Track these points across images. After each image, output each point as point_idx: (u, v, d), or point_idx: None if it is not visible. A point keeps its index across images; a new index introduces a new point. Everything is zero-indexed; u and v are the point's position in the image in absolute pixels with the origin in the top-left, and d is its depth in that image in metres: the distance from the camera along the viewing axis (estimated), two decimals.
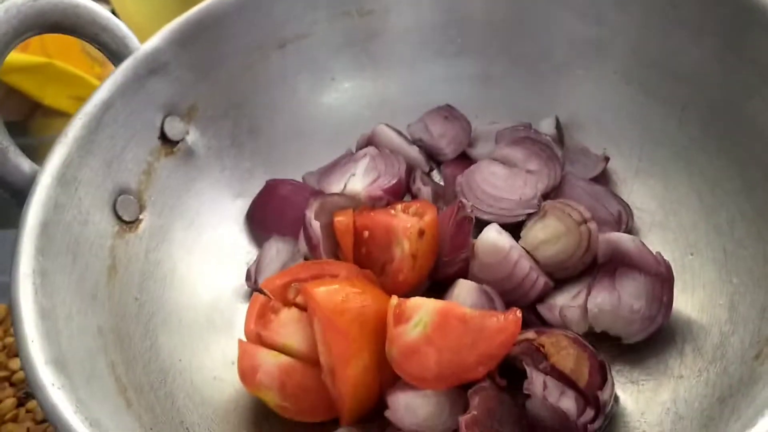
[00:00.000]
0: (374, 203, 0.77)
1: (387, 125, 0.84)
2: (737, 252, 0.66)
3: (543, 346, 0.61)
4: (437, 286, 0.72)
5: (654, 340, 0.65)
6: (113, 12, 1.20)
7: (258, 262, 0.77)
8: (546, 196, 0.75)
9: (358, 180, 0.80)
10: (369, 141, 0.84)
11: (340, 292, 0.63)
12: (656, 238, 0.74)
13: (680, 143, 0.75)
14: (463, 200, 0.71)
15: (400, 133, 0.85)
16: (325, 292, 0.63)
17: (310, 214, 0.74)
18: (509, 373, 0.61)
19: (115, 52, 0.74)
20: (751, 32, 0.67)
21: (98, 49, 0.74)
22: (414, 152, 0.83)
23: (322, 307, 0.61)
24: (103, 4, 1.28)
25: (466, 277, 0.70)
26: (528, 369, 0.59)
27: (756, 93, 0.67)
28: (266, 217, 0.80)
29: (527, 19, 0.85)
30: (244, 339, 0.65)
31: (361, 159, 0.80)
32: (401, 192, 0.81)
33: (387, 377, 0.63)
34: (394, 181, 0.80)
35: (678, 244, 0.72)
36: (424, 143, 0.85)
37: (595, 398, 0.59)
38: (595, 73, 0.82)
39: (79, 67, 1.15)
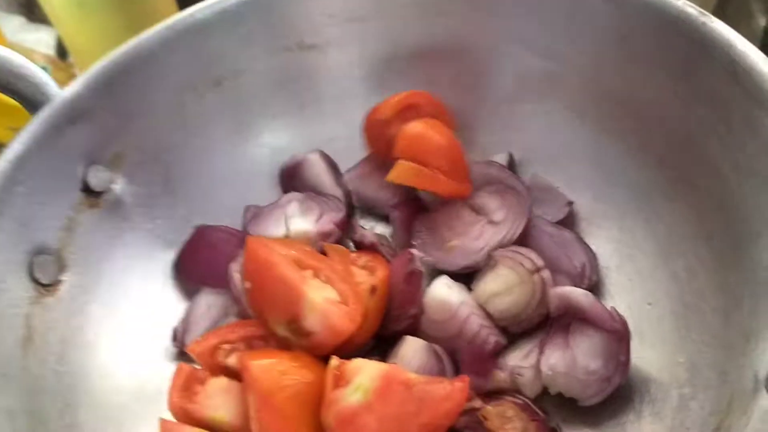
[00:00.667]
0: (325, 240, 0.73)
1: (322, 153, 0.81)
2: (697, 304, 0.63)
3: (486, 419, 0.56)
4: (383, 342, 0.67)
5: (611, 401, 0.61)
6: (59, 38, 1.15)
7: (186, 320, 0.72)
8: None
9: (300, 220, 0.75)
10: (296, 166, 0.80)
11: (279, 366, 0.59)
12: (612, 285, 0.70)
13: (637, 183, 0.71)
14: (413, 251, 0.67)
15: (333, 166, 0.81)
16: (262, 366, 0.58)
17: (235, 266, 0.69)
18: None
19: (31, 101, 0.69)
20: (707, 68, 0.63)
21: (12, 98, 0.69)
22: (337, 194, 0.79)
23: (259, 383, 0.57)
24: (49, 30, 1.23)
25: (415, 334, 0.66)
26: None
27: (713, 132, 0.63)
28: (195, 268, 0.75)
29: (475, 51, 0.80)
30: (167, 415, 0.60)
31: (288, 204, 0.76)
32: (346, 230, 0.77)
33: None
34: (341, 215, 0.76)
35: (635, 292, 0.68)
36: (361, 194, 0.81)
37: None
38: (546, 107, 0.78)
39: None
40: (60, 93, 0.69)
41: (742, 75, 0.59)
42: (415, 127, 0.74)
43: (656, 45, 0.67)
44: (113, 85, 0.71)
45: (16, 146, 0.65)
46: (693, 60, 0.65)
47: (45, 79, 0.69)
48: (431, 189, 0.73)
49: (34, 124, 0.67)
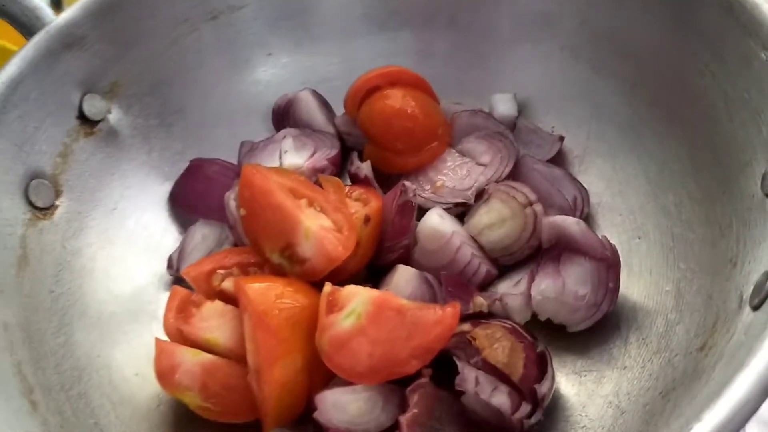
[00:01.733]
0: (317, 174, 0.73)
1: (313, 92, 0.81)
2: (685, 236, 0.64)
3: (475, 339, 0.57)
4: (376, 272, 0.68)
5: (599, 328, 0.62)
6: None
7: (181, 249, 0.72)
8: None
9: (293, 155, 0.75)
10: (288, 105, 0.81)
11: (274, 290, 0.59)
12: (604, 221, 0.71)
13: (629, 122, 0.72)
14: (406, 183, 0.67)
15: (325, 104, 0.81)
16: (258, 289, 0.59)
17: (230, 194, 0.70)
18: (447, 366, 0.58)
19: (25, 26, 0.68)
20: (701, 5, 0.64)
21: (6, 21, 0.68)
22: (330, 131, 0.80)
23: (255, 305, 0.57)
24: None
25: (407, 264, 0.66)
26: (459, 364, 0.56)
27: (706, 70, 0.64)
28: (190, 200, 0.75)
29: None
30: (162, 335, 0.61)
31: (283, 139, 0.76)
32: (339, 166, 0.78)
33: (319, 380, 0.59)
34: (335, 152, 0.77)
35: (625, 227, 0.69)
36: (353, 136, 0.80)
37: (531, 392, 0.56)
38: (542, 48, 0.78)
39: (17, 43, 1.09)
40: (55, 18, 0.68)
41: (737, 8, 0.60)
42: (373, 108, 0.75)
43: None
44: (108, 13, 0.71)
45: (11, 69, 0.65)
46: None
47: (39, 3, 0.69)
48: (394, 171, 0.75)
49: (29, 48, 0.67)
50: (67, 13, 0.69)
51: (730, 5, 0.61)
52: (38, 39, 0.67)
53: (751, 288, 0.51)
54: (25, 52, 0.66)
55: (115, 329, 0.66)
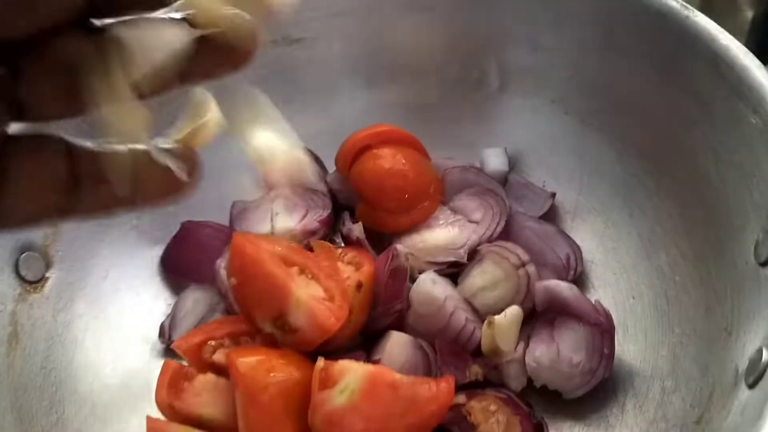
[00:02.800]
0: (309, 237, 0.73)
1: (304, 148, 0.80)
2: (679, 298, 0.63)
3: (470, 414, 0.57)
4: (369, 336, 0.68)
5: (595, 394, 0.62)
6: None
7: (173, 316, 0.71)
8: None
9: (285, 217, 0.75)
10: None
11: (266, 363, 0.59)
12: (597, 279, 0.70)
13: (620, 178, 0.72)
14: (398, 247, 0.67)
15: (317, 160, 0.81)
16: (249, 363, 0.58)
17: (221, 262, 0.69)
18: None
19: None
20: (691, 62, 0.64)
21: None
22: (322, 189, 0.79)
23: (245, 381, 0.57)
24: None
25: (401, 329, 0.66)
26: None
27: (696, 127, 0.64)
28: (181, 264, 0.75)
29: (461, 45, 0.80)
30: (155, 413, 0.60)
31: (276, 199, 0.76)
32: (331, 227, 0.77)
33: None
34: (326, 213, 0.76)
35: (619, 286, 0.69)
36: (345, 193, 0.80)
37: None
38: (532, 102, 0.78)
39: None
40: None
41: (724, 69, 0.60)
42: (364, 168, 0.74)
43: (640, 38, 0.68)
44: None
45: None
46: (676, 53, 0.65)
47: None
48: (386, 230, 0.74)
49: None
50: None
51: (717, 66, 0.61)
52: None
53: (746, 363, 0.50)
54: None
55: (107, 404, 0.66)
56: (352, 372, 0.58)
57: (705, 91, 0.63)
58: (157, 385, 0.61)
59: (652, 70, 0.68)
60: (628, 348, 0.64)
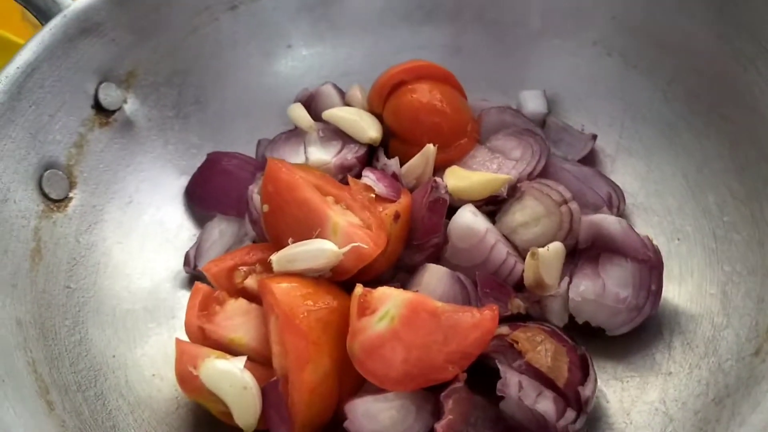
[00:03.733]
0: (345, 173, 0.70)
1: (334, 86, 0.78)
2: (728, 237, 0.61)
3: (517, 342, 0.55)
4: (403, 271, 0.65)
5: (639, 333, 0.60)
6: None
7: (198, 245, 0.69)
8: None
9: (319, 151, 0.72)
10: (309, 99, 0.77)
11: (302, 290, 0.56)
12: (639, 222, 0.68)
13: (665, 120, 0.70)
14: (437, 179, 0.65)
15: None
16: (286, 289, 0.56)
17: (254, 188, 0.67)
18: (481, 370, 0.55)
19: (42, 10, 0.66)
20: None
21: (23, 5, 0.66)
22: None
23: (283, 306, 0.54)
24: None
25: (436, 263, 0.64)
26: (501, 368, 0.53)
27: (751, 65, 0.62)
28: (208, 194, 0.72)
29: None
30: (180, 334, 0.58)
31: (310, 133, 0.73)
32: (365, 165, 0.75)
33: (349, 386, 0.56)
34: (363, 150, 0.72)
35: (663, 228, 0.66)
36: None
37: (576, 396, 0.53)
38: (572, 43, 0.76)
39: (21, 36, 1.06)
40: (72, 3, 0.66)
41: None
42: (400, 103, 0.72)
43: None
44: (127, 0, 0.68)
45: (26, 53, 0.62)
46: None
47: None
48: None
49: (45, 34, 0.64)
50: None
51: None
52: (55, 24, 0.64)
53: None
54: (41, 37, 0.63)
55: (130, 327, 0.63)
56: (392, 298, 0.56)
57: (763, 26, 0.61)
58: (188, 307, 0.59)
59: (704, 7, 0.66)
60: (673, 288, 0.62)
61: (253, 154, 0.76)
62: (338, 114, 0.72)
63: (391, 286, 0.62)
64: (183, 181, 0.73)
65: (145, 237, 0.69)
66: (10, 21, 1.08)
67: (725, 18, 0.64)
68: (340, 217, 0.61)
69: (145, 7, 0.70)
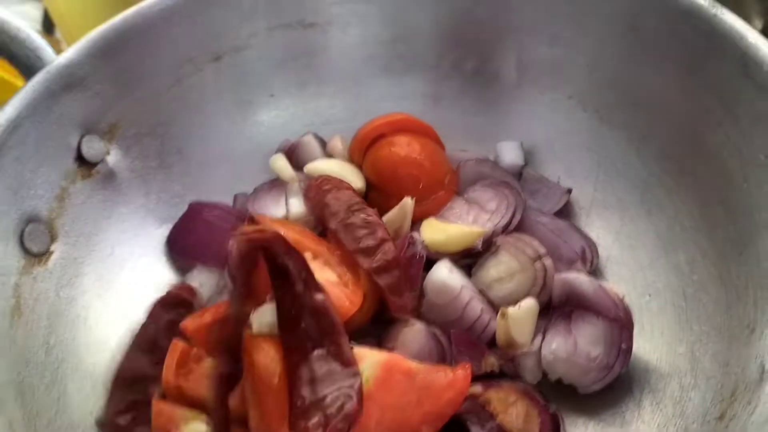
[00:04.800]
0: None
1: (315, 136, 0.79)
2: (698, 296, 0.62)
3: (489, 403, 0.56)
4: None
5: (611, 390, 0.61)
6: (45, 11, 1.12)
7: None
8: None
9: (300, 203, 0.73)
10: (291, 149, 0.79)
11: (278, 350, 0.57)
12: (612, 276, 0.70)
13: (638, 175, 0.71)
14: (414, 235, 0.66)
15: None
16: (264, 350, 0.56)
17: (234, 243, 0.68)
18: (453, 430, 0.56)
19: (26, 65, 0.67)
20: (716, 61, 0.63)
21: (7, 62, 0.67)
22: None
23: (260, 369, 0.55)
24: (34, 2, 1.19)
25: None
26: (473, 430, 0.54)
27: (719, 127, 0.63)
28: (189, 245, 0.73)
29: (479, 36, 0.79)
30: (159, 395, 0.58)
31: (292, 183, 0.74)
32: None
33: None
34: None
35: (635, 283, 0.68)
36: None
37: None
38: (550, 96, 0.78)
39: (5, 71, 1.07)
40: (56, 58, 0.67)
41: (752, 67, 0.59)
42: (379, 156, 0.73)
43: (665, 35, 0.67)
44: (110, 53, 0.69)
45: (9, 110, 0.63)
46: (702, 51, 0.65)
47: (41, 43, 0.67)
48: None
49: (28, 89, 0.64)
50: (68, 53, 0.67)
51: (745, 64, 0.60)
52: (38, 80, 0.65)
53: None
54: (24, 93, 0.64)
55: (108, 383, 0.63)
56: (366, 359, 0.57)
57: (731, 89, 0.62)
58: (165, 365, 0.59)
59: (676, 68, 0.67)
60: (643, 345, 0.63)
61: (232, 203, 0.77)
62: (321, 167, 0.74)
63: (367, 340, 0.63)
64: (164, 231, 0.74)
65: (126, 288, 0.69)
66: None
67: (696, 80, 0.65)
68: (318, 275, 0.61)
69: (129, 60, 0.71)
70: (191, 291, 0.68)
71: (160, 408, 0.57)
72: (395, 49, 0.82)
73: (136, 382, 0.63)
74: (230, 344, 0.60)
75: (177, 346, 0.60)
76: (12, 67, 1.08)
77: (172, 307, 0.66)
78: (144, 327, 0.65)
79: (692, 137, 0.67)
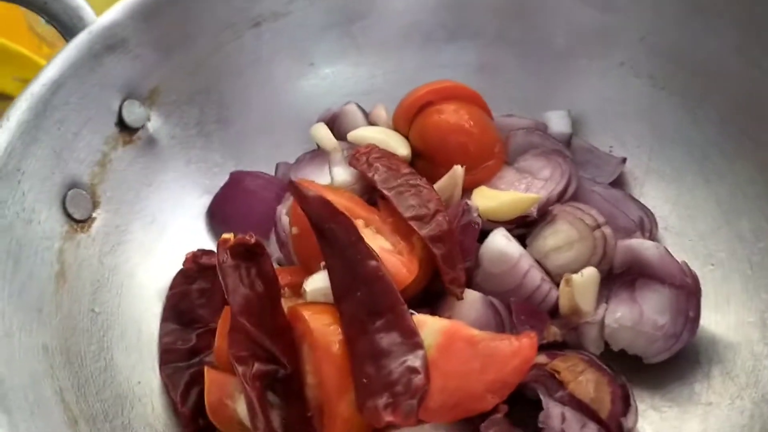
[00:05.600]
0: (372, 194, 0.69)
1: (358, 106, 0.77)
2: (765, 264, 0.61)
3: (558, 372, 0.54)
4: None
5: (676, 361, 0.59)
6: None
7: None
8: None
9: (345, 171, 0.70)
10: (332, 119, 0.77)
11: (336, 318, 0.55)
12: (671, 247, 0.66)
13: (695, 143, 0.69)
14: (469, 202, 0.64)
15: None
16: (320, 318, 0.54)
17: (282, 208, 0.66)
18: (519, 400, 0.54)
19: (66, 25, 0.64)
20: None
21: (47, 21, 0.64)
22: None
23: (318, 336, 0.53)
24: None
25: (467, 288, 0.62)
26: (543, 399, 0.52)
27: None
28: (231, 214, 0.71)
29: (525, 2, 0.77)
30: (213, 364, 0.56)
31: (335, 152, 0.72)
32: None
33: None
34: None
35: (696, 253, 0.65)
36: None
37: (618, 428, 0.52)
38: (600, 63, 0.75)
39: (26, 46, 1.04)
40: (97, 19, 0.64)
41: None
42: (427, 124, 0.71)
43: None
44: (151, 16, 0.67)
45: (51, 71, 0.61)
46: (762, 12, 0.62)
47: (81, 3, 0.65)
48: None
49: (70, 50, 0.62)
50: (110, 14, 0.65)
51: None
52: (80, 40, 0.63)
53: None
54: (67, 53, 0.62)
55: (156, 354, 0.61)
56: (427, 327, 0.54)
57: None
58: (217, 333, 0.57)
59: (736, 29, 0.65)
60: (708, 315, 0.61)
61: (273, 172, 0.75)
62: (366, 134, 0.71)
63: (420, 311, 0.61)
64: (205, 200, 0.72)
65: (168, 257, 0.67)
66: (16, 31, 1.06)
67: (754, 40, 0.64)
68: (371, 242, 0.59)
69: (170, 23, 0.69)
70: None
71: (212, 377, 0.55)
72: (438, 16, 0.80)
73: (171, 353, 0.61)
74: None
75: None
76: (37, 41, 1.07)
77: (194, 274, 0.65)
78: (168, 297, 0.64)
79: (753, 102, 0.65)
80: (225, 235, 0.54)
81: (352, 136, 0.72)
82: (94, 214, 0.63)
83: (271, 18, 0.76)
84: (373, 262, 0.55)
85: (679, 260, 0.59)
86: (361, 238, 0.55)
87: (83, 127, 0.62)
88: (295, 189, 0.57)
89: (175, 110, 0.71)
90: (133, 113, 0.67)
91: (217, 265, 0.53)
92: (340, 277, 0.57)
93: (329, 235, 0.56)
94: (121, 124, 0.66)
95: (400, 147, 0.71)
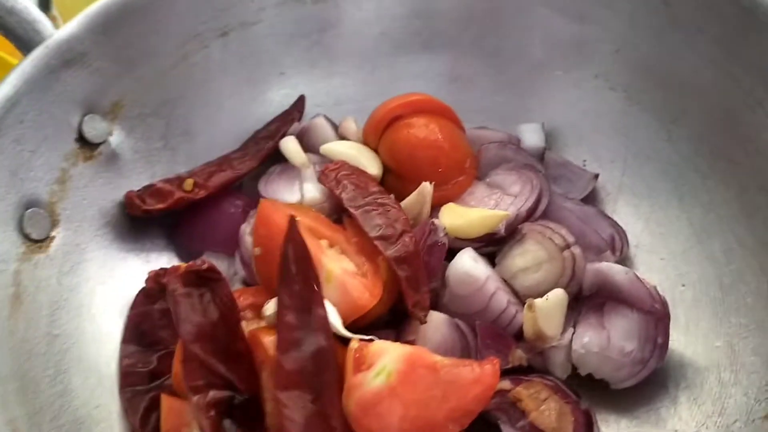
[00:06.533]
0: (341, 213, 0.68)
1: (326, 118, 0.76)
2: (736, 287, 0.59)
3: (521, 401, 0.53)
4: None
5: (644, 386, 0.58)
6: None
7: None
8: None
9: (315, 188, 0.69)
10: (301, 132, 0.75)
11: None
12: (642, 265, 0.66)
13: (669, 159, 0.68)
14: (435, 221, 0.62)
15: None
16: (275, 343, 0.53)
17: (246, 228, 0.64)
18: (481, 429, 0.53)
19: (23, 39, 0.62)
20: (755, 36, 0.60)
21: (3, 35, 0.63)
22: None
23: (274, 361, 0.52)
24: None
25: (434, 309, 0.61)
26: (504, 429, 0.51)
27: (759, 107, 0.60)
28: (196, 231, 0.70)
29: (501, 12, 0.76)
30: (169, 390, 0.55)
31: (305, 168, 0.70)
32: None
33: None
34: None
35: (667, 273, 0.65)
36: None
37: None
38: (575, 75, 0.74)
39: (11, 53, 1.02)
40: (55, 32, 0.63)
41: None
42: (396, 138, 0.70)
43: (700, 10, 0.64)
44: (113, 28, 0.65)
45: (6, 87, 0.59)
46: (741, 26, 0.61)
47: (38, 16, 0.63)
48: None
49: (26, 65, 0.61)
50: (68, 28, 0.63)
51: None
52: (36, 55, 0.61)
53: None
54: (22, 69, 0.60)
55: (115, 376, 0.60)
56: (388, 353, 0.53)
57: None
58: (174, 360, 0.56)
59: (712, 44, 0.64)
60: (678, 338, 0.60)
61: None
62: (337, 149, 0.70)
63: (385, 332, 0.60)
64: (170, 216, 0.71)
65: (131, 275, 0.66)
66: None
67: (734, 57, 0.62)
68: (334, 264, 0.58)
69: (132, 35, 0.67)
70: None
71: (169, 404, 0.53)
72: (411, 25, 0.78)
73: (131, 376, 0.60)
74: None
75: None
76: (7, 44, 1.04)
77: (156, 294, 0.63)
78: (129, 318, 0.63)
79: (728, 119, 0.63)
80: (175, 264, 0.53)
81: (324, 149, 0.71)
82: (53, 233, 0.61)
83: (239, 27, 0.74)
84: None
85: (650, 284, 0.58)
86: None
87: (41, 144, 0.61)
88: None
89: (139, 124, 0.69)
90: (94, 128, 0.65)
91: (167, 294, 0.52)
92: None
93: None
94: (82, 140, 0.65)
95: (372, 164, 0.70)
